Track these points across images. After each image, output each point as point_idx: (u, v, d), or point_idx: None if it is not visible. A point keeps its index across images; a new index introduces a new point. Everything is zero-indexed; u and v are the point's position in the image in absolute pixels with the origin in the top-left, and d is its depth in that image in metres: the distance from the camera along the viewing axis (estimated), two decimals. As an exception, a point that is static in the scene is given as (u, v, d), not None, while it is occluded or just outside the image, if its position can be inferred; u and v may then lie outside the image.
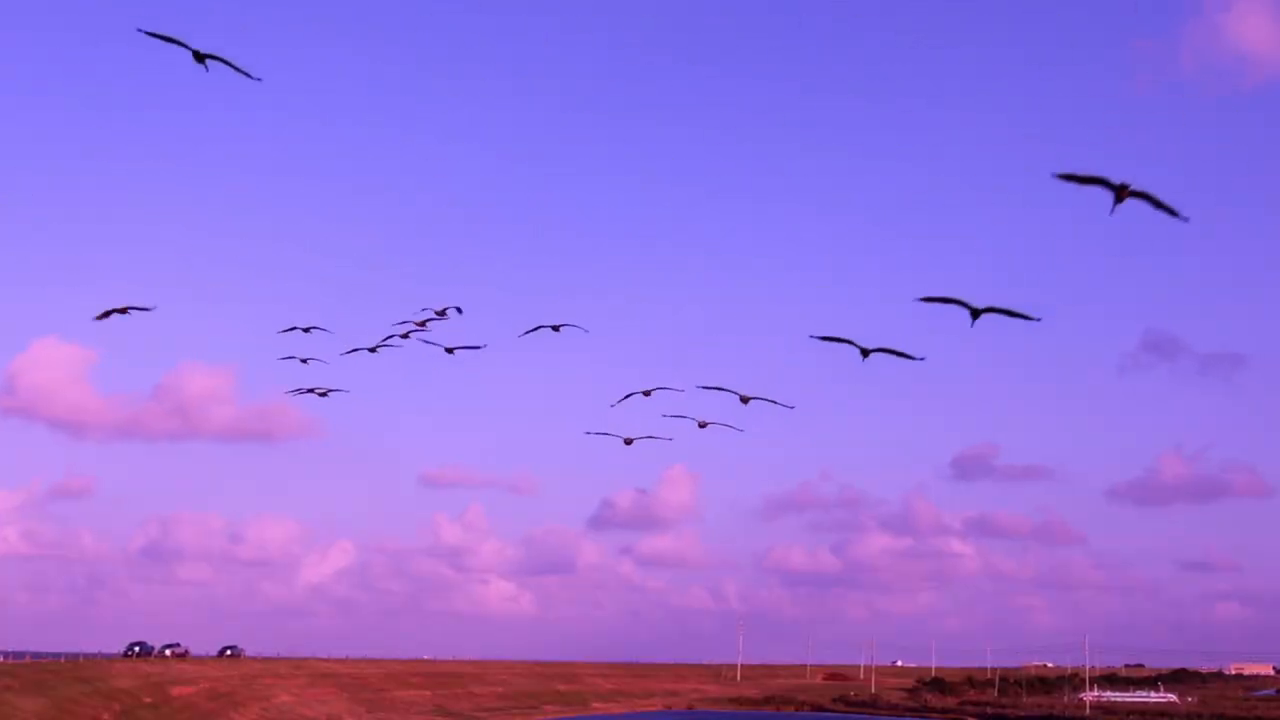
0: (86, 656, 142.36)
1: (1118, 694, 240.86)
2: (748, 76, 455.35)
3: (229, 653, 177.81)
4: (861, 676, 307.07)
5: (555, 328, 61.44)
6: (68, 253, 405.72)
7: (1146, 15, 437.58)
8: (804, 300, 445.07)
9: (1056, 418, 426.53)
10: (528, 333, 60.79)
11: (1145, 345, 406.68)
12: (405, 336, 65.32)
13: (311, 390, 70.68)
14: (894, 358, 35.02)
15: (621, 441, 68.94)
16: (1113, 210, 25.71)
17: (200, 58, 36.02)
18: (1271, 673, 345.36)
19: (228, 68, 36.93)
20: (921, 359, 32.10)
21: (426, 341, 64.59)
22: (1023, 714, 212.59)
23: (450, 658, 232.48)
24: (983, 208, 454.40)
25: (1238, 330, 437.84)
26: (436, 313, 64.75)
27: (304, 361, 70.41)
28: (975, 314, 27.47)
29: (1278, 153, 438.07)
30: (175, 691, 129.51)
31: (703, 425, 62.01)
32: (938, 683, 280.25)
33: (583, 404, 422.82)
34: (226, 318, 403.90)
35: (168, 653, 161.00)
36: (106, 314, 48.21)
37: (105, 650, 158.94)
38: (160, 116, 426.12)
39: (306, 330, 62.74)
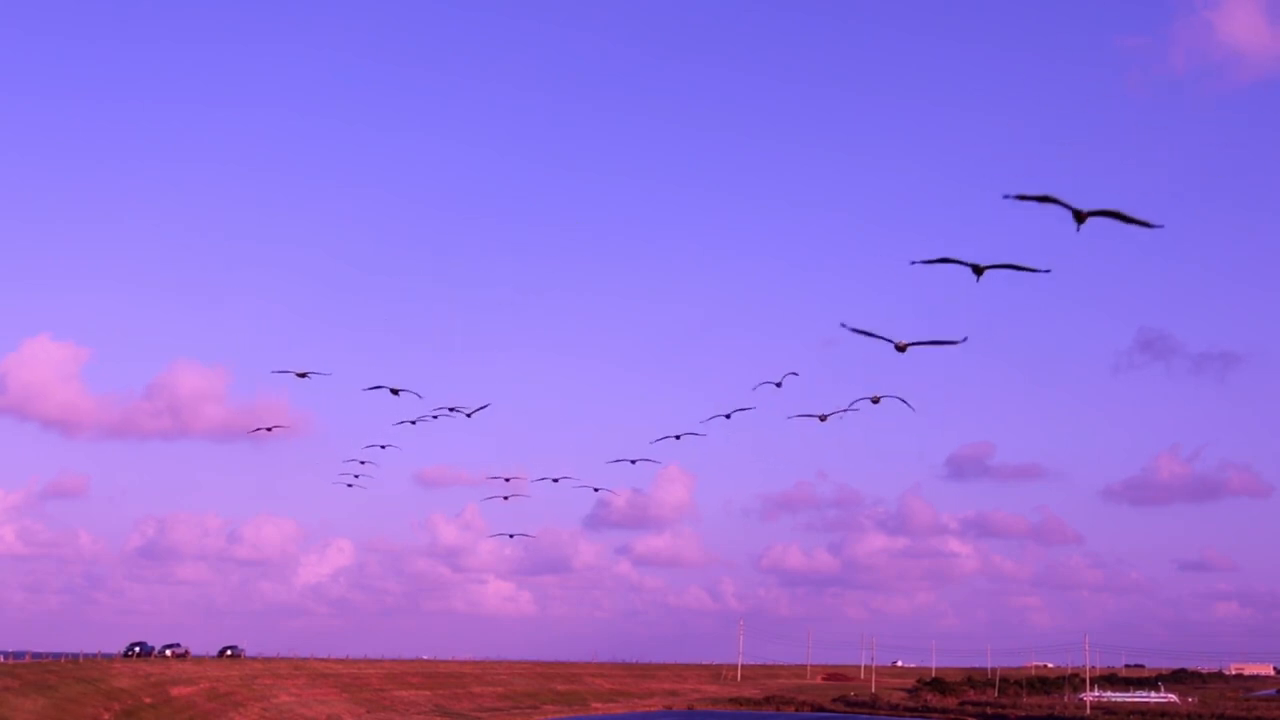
0: (86, 656, 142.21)
1: (1118, 694, 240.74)
2: (747, 74, 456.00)
3: (229, 653, 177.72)
4: (861, 676, 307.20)
5: (505, 482, 70.05)
6: (60, 251, 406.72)
7: (1137, 13, 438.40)
8: (803, 300, 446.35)
9: (1051, 417, 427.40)
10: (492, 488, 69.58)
11: (1139, 344, 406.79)
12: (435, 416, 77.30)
13: (358, 474, 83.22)
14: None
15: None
16: (1078, 229, 25.29)
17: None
18: (1271, 673, 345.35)
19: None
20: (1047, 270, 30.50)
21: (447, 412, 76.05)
22: (1023, 714, 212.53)
23: (450, 658, 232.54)
24: (975, 207, 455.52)
25: (1231, 329, 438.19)
26: (449, 410, 75.51)
27: (382, 449, 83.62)
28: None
29: (1269, 150, 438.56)
30: (175, 691, 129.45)
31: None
32: (938, 683, 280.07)
33: (578, 403, 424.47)
34: (220, 316, 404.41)
35: (168, 653, 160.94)
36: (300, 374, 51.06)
37: (105, 650, 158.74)
38: (155, 114, 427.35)
39: (395, 392, 71.52)
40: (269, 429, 61.37)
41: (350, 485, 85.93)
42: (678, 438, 65.79)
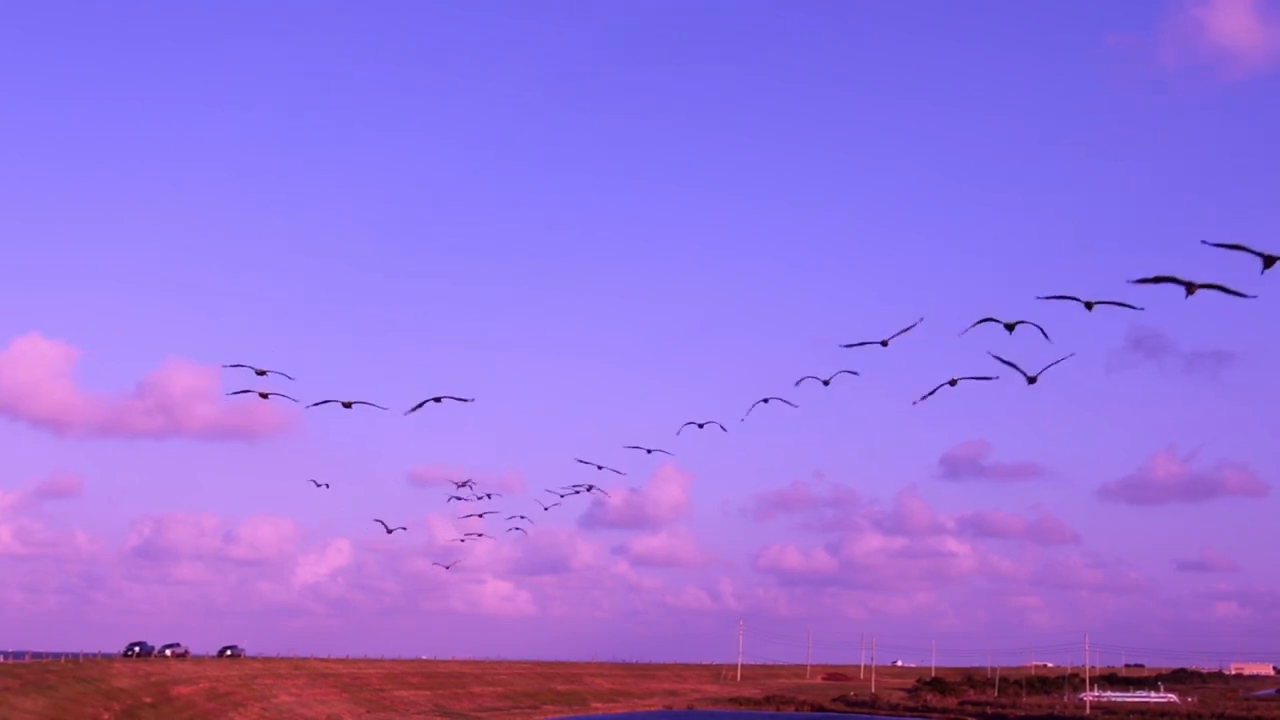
0: (86, 656, 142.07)
1: (1118, 694, 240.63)
2: (747, 75, 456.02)
3: (229, 653, 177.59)
4: (861, 676, 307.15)
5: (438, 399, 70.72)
6: (51, 249, 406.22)
7: (1125, 9, 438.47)
8: (803, 300, 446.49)
9: (1045, 416, 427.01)
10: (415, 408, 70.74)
11: (1131, 343, 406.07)
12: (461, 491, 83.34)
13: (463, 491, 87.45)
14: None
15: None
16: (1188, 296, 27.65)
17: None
18: (1271, 673, 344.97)
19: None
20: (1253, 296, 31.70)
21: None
22: (1022, 714, 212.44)
23: (449, 658, 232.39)
24: (966, 206, 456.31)
25: (1223, 327, 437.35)
26: (459, 484, 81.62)
27: (390, 531, 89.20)
28: (1190, 289, 28.81)
29: (1260, 147, 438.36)
30: (175, 691, 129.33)
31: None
32: (938, 683, 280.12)
33: (578, 403, 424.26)
34: (213, 315, 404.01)
35: (168, 653, 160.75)
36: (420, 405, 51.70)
37: (105, 650, 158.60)
38: (146, 112, 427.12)
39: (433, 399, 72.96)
40: (264, 395, 58.75)
41: (458, 499, 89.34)
42: (700, 425, 63.56)
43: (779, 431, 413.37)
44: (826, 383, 56.30)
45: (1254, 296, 29.34)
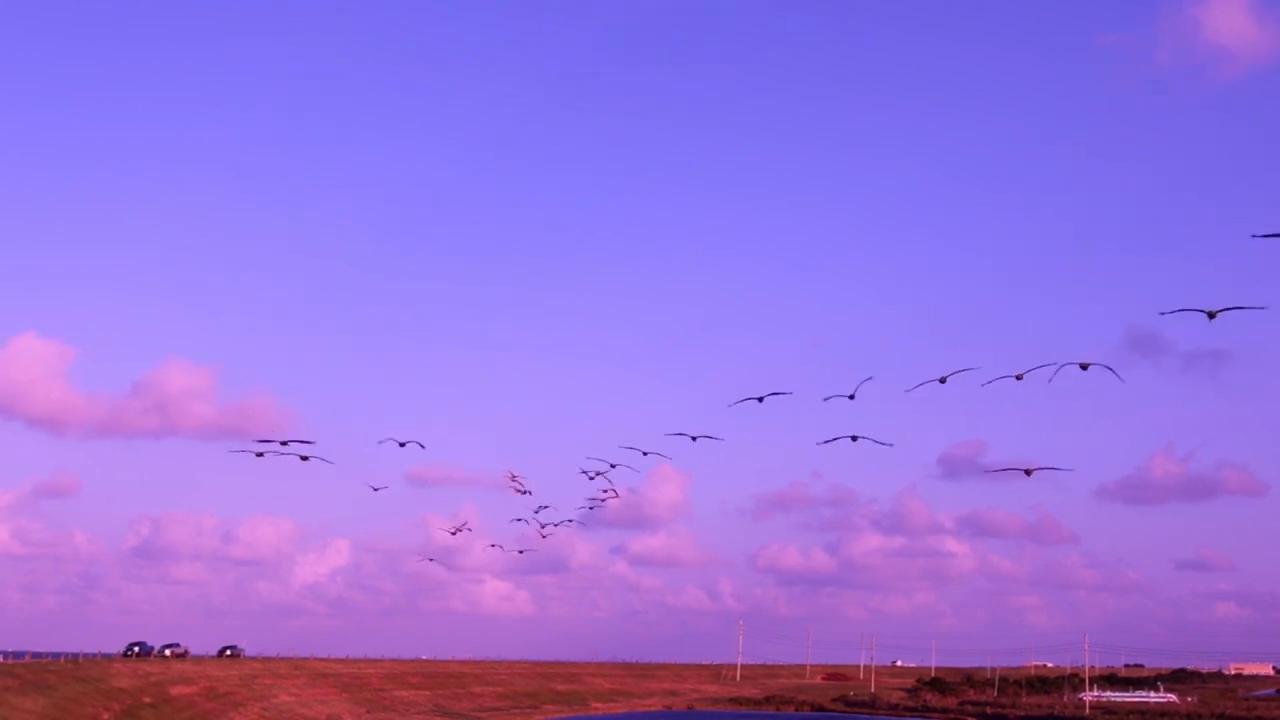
0: (86, 656, 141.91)
1: (1118, 694, 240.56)
2: (747, 74, 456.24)
3: (229, 653, 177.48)
4: (861, 676, 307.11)
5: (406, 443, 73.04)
6: (47, 248, 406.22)
7: (1123, 9, 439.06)
8: (803, 300, 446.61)
9: (1043, 415, 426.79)
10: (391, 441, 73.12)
11: (1128, 343, 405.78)
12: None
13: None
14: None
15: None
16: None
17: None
18: (1271, 673, 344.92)
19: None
20: None
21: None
22: (1022, 714, 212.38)
23: (449, 658, 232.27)
24: (966, 206, 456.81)
25: (1220, 326, 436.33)
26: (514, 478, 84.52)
27: (454, 533, 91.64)
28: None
29: (1258, 146, 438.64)
30: (175, 691, 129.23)
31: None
32: (937, 683, 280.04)
33: (578, 403, 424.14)
34: (210, 315, 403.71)
35: (168, 653, 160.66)
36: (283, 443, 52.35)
37: (104, 650, 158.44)
38: (146, 112, 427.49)
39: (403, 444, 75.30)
40: (284, 443, 58.18)
41: (521, 491, 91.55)
42: (760, 399, 62.19)
43: (777, 432, 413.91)
44: (694, 439, 60.96)
45: (1124, 382, 38.39)
